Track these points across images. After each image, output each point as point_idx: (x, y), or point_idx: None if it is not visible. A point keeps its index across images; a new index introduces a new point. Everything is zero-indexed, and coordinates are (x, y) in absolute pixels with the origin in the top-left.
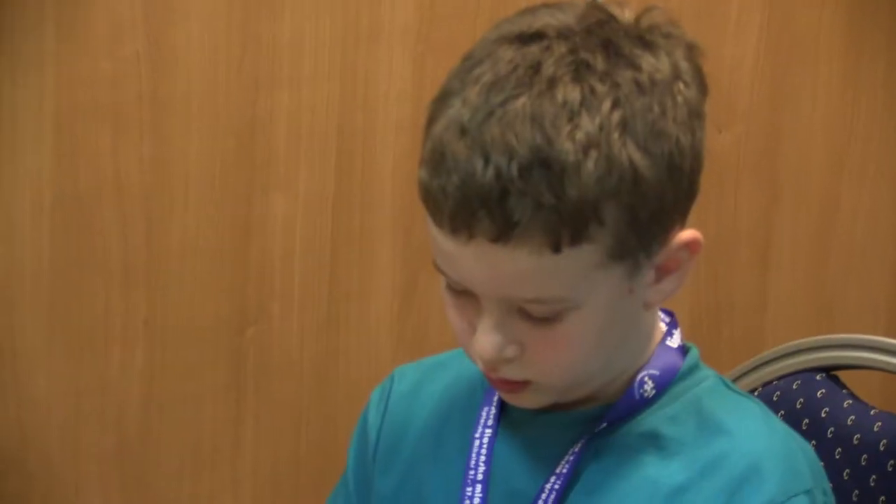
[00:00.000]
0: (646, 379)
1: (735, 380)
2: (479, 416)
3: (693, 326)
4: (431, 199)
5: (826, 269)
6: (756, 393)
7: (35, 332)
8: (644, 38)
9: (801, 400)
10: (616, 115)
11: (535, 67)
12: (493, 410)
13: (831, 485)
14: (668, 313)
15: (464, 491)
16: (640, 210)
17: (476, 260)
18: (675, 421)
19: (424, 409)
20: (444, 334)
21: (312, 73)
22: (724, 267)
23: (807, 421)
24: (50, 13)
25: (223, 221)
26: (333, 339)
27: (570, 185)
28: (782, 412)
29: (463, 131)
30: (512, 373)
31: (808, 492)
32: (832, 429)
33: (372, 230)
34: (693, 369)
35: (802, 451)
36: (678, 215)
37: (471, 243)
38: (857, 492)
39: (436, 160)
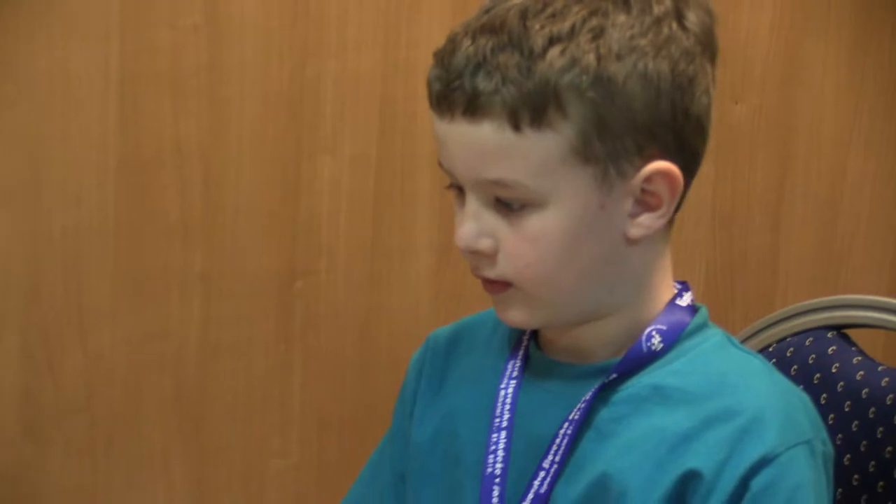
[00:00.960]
0: (653, 333)
1: (751, 336)
2: (506, 369)
3: (708, 286)
4: (430, 86)
5: (834, 233)
6: (770, 349)
7: (100, 288)
8: None
9: (814, 356)
10: (593, 21)
11: None
12: (518, 363)
13: (841, 435)
14: (682, 283)
15: (490, 437)
16: (606, 114)
17: (455, 141)
18: (681, 374)
19: (458, 366)
20: (477, 289)
21: (357, 41)
22: (738, 230)
23: (818, 375)
24: None
25: (274, 182)
26: (375, 293)
27: (534, 67)
28: (795, 366)
29: (466, 26)
30: (491, 271)
31: (807, 442)
32: (842, 383)
33: (413, 192)
34: (701, 327)
35: (803, 405)
36: (656, 143)
37: (452, 123)
38: (864, 443)
39: (440, 52)
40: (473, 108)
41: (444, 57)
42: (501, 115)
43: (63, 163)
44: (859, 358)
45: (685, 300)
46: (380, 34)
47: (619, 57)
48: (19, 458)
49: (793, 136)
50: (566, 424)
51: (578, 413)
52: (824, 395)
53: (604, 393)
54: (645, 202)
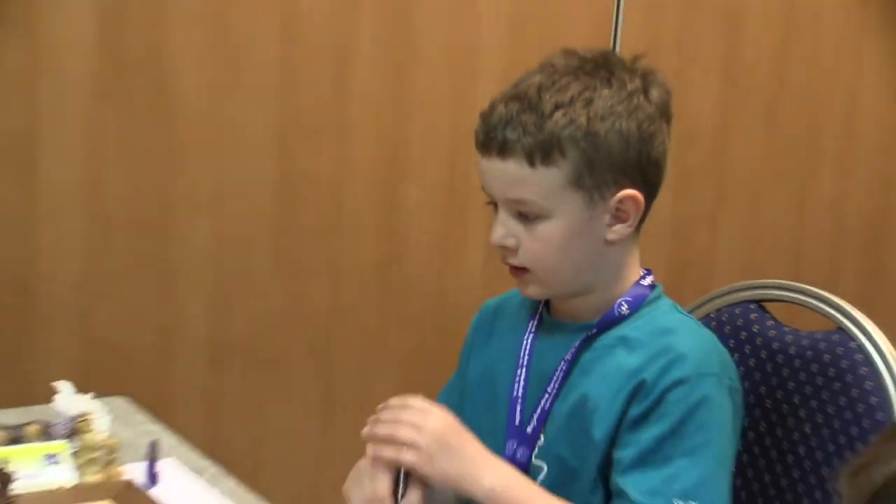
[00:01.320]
0: (622, 303)
1: (698, 306)
2: (527, 328)
3: (668, 274)
4: (476, 135)
5: (755, 239)
6: (711, 315)
7: (263, 272)
8: (629, 67)
9: (741, 321)
10: (585, 94)
11: (553, 67)
12: (535, 323)
13: (759, 377)
14: (647, 270)
15: (515, 372)
16: (593, 158)
17: (491, 173)
18: (639, 329)
19: (498, 328)
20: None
21: (435, 102)
22: (689, 236)
23: (744, 334)
24: None
25: (379, 199)
26: (451, 275)
27: (544, 125)
28: (728, 328)
29: (502, 95)
30: (515, 260)
31: (715, 375)
32: (759, 339)
33: (475, 209)
34: (656, 298)
35: (717, 352)
36: (627, 178)
37: (490, 160)
38: (777, 387)
39: (484, 113)
40: (503, 151)
41: (485, 116)
42: (522, 156)
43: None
44: (771, 322)
45: (647, 281)
46: (450, 98)
47: (602, 119)
48: (205, 383)
49: (729, 172)
50: (562, 363)
51: (570, 355)
52: (748, 347)
53: (587, 342)
54: (618, 217)
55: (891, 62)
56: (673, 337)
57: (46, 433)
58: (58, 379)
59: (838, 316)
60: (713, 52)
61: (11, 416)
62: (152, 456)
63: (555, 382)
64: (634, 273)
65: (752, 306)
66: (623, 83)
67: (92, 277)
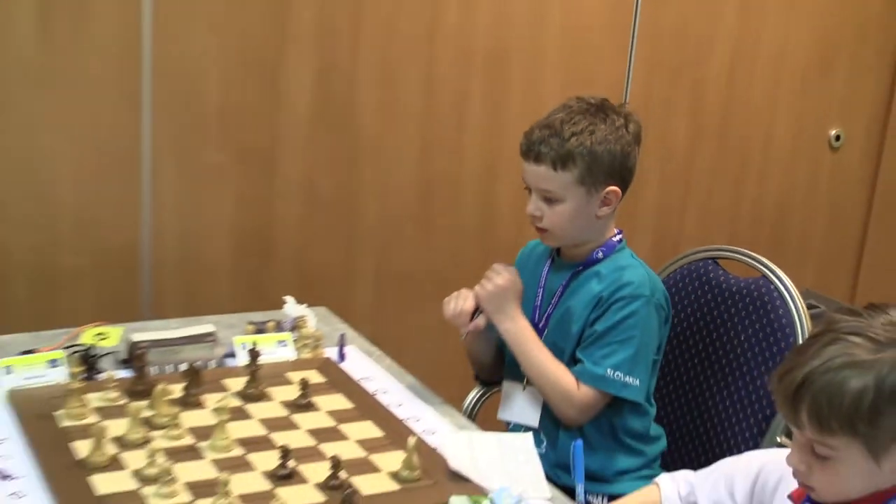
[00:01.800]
0: (599, 251)
1: (673, 262)
2: (545, 265)
3: (654, 242)
4: (521, 147)
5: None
6: (683, 267)
7: (412, 225)
8: (618, 110)
9: (702, 271)
10: (590, 128)
11: (570, 108)
12: (549, 262)
13: (711, 307)
14: (619, 231)
15: (536, 292)
16: (592, 167)
17: (529, 171)
18: (605, 267)
19: (530, 261)
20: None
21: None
22: (672, 216)
23: (704, 279)
24: None
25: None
26: (491, 232)
27: (563, 144)
28: (694, 275)
29: (538, 123)
30: (540, 224)
31: (647, 297)
32: (713, 283)
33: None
34: (621, 249)
35: (652, 283)
36: (612, 179)
37: (529, 164)
38: (726, 320)
39: (526, 133)
40: (538, 159)
41: (527, 135)
42: (549, 163)
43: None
44: (722, 272)
45: (617, 238)
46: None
47: (599, 143)
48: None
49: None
50: (560, 287)
51: (565, 282)
52: (707, 287)
53: (576, 275)
54: (605, 202)
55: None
56: (624, 271)
57: (279, 327)
58: (286, 294)
59: (762, 268)
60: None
61: (258, 317)
62: (341, 343)
63: (556, 299)
64: (611, 233)
65: (709, 263)
66: (613, 121)
67: (305, 232)
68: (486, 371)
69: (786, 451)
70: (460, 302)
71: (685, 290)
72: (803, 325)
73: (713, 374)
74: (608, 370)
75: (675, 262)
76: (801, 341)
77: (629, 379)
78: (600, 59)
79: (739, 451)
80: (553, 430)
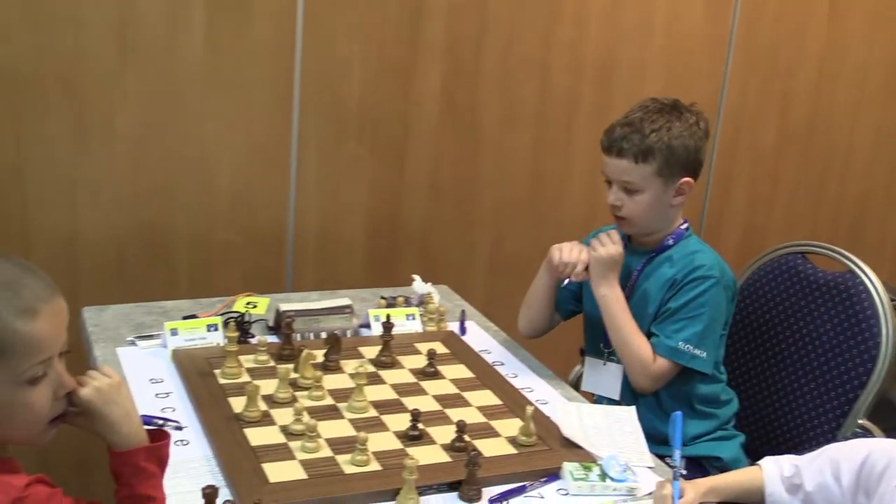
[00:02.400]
0: (670, 237)
1: (763, 256)
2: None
3: (743, 239)
4: (602, 143)
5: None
6: (773, 260)
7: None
8: (689, 109)
9: (791, 264)
10: (667, 125)
11: (647, 107)
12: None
13: (799, 297)
14: (685, 220)
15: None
16: (670, 160)
17: (610, 165)
18: (677, 252)
19: None
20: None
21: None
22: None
23: (793, 271)
24: None
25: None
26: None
27: (644, 140)
28: (784, 268)
29: (618, 120)
30: (619, 213)
31: (715, 278)
32: (802, 274)
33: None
34: (689, 235)
35: (720, 266)
36: (686, 171)
37: (610, 158)
38: (812, 310)
39: (607, 129)
40: (619, 153)
41: (609, 133)
42: (630, 157)
43: None
44: (810, 265)
45: (685, 226)
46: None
47: (675, 138)
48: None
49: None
50: (636, 272)
51: (640, 267)
52: (794, 279)
53: (650, 260)
54: (679, 192)
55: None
56: (695, 255)
57: (407, 302)
58: (412, 273)
59: (849, 263)
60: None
61: (388, 292)
62: (462, 318)
63: (631, 282)
64: (679, 222)
65: (798, 257)
66: (687, 118)
67: (430, 218)
68: (531, 321)
69: (894, 441)
70: (574, 253)
71: (775, 280)
72: (887, 316)
73: (799, 359)
74: (679, 343)
75: (766, 255)
76: (885, 331)
77: (698, 351)
78: (698, 71)
79: (822, 430)
80: (632, 400)
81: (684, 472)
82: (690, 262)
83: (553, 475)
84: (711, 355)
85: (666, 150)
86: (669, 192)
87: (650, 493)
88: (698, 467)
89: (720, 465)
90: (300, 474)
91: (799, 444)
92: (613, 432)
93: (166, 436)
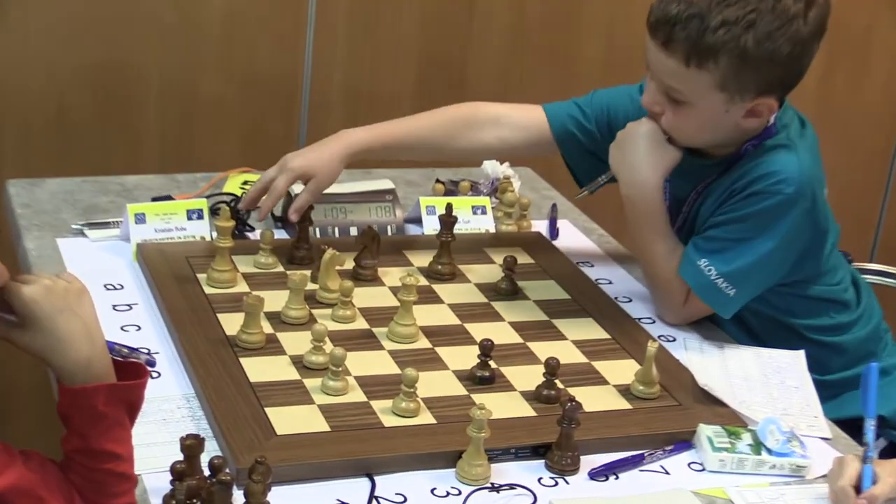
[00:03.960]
0: (749, 146)
1: None
2: None
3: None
4: (650, 12)
5: None
6: None
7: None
8: None
9: None
10: (750, 17)
11: None
12: None
13: None
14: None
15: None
16: (742, 70)
17: (653, 56)
18: (750, 155)
19: None
20: None
21: None
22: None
23: None
24: None
25: None
26: None
27: (706, 34)
28: None
29: None
30: (661, 124)
31: (790, 196)
32: None
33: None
34: (781, 130)
35: (810, 178)
36: (769, 88)
37: (654, 45)
38: None
39: (657, 2)
40: (667, 44)
41: (659, 5)
42: (681, 56)
43: None
44: None
45: (771, 121)
46: None
47: (759, 43)
48: None
49: None
50: (693, 193)
51: (700, 187)
52: None
53: (712, 182)
54: (753, 113)
55: None
56: (770, 156)
57: (475, 189)
58: None
59: None
60: None
61: (448, 174)
62: (553, 216)
63: (686, 207)
64: (761, 128)
65: None
66: (787, 8)
67: (506, 76)
68: None
69: None
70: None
71: None
72: None
73: None
74: (702, 261)
75: None
76: None
77: (726, 286)
78: None
79: None
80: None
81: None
82: (759, 163)
83: (683, 442)
84: (744, 299)
85: (738, 57)
86: (735, 112)
87: (824, 476)
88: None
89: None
90: (320, 425)
91: None
92: (772, 385)
93: (143, 372)
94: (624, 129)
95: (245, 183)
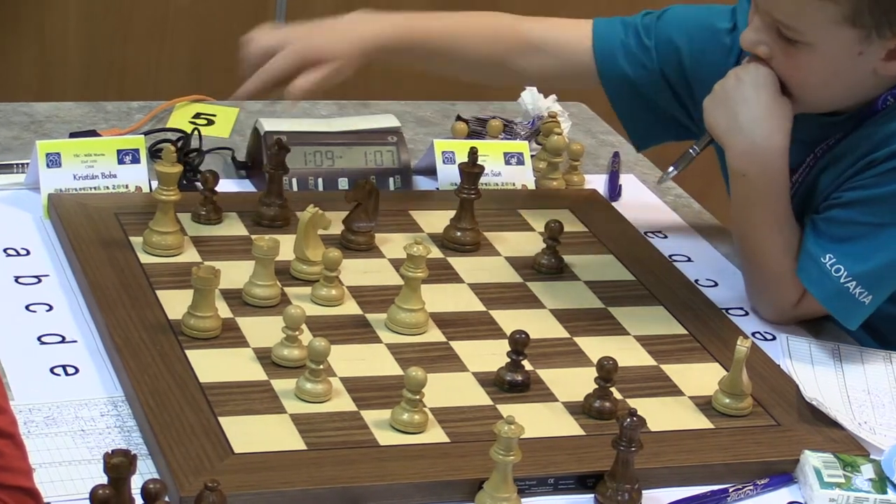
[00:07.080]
0: (887, 96)
1: None
2: None
3: None
4: None
5: None
6: None
7: None
8: None
9: None
10: None
11: None
12: None
13: None
14: None
15: None
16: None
17: None
18: (889, 113)
19: None
20: None
21: None
22: None
23: None
24: None
25: None
26: None
27: None
28: None
29: None
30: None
31: None
32: None
33: None
34: None
35: None
36: None
37: None
38: None
39: None
40: None
41: None
42: None
43: None
44: None
45: None
46: None
47: None
48: None
49: None
50: (810, 157)
51: (817, 150)
52: None
53: (836, 143)
54: (893, 56)
55: None
56: None
57: (509, 129)
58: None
59: None
60: None
61: (473, 109)
62: (614, 168)
63: (799, 174)
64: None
65: None
66: None
67: None
68: None
69: None
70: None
71: None
72: None
73: None
74: (827, 257)
75: None
76: None
77: (860, 292)
78: None
79: None
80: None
81: None
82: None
83: (782, 474)
84: (879, 301)
85: None
86: (872, 54)
87: None
88: None
89: None
90: (293, 441)
91: None
92: None
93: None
94: (724, 77)
95: (197, 115)
